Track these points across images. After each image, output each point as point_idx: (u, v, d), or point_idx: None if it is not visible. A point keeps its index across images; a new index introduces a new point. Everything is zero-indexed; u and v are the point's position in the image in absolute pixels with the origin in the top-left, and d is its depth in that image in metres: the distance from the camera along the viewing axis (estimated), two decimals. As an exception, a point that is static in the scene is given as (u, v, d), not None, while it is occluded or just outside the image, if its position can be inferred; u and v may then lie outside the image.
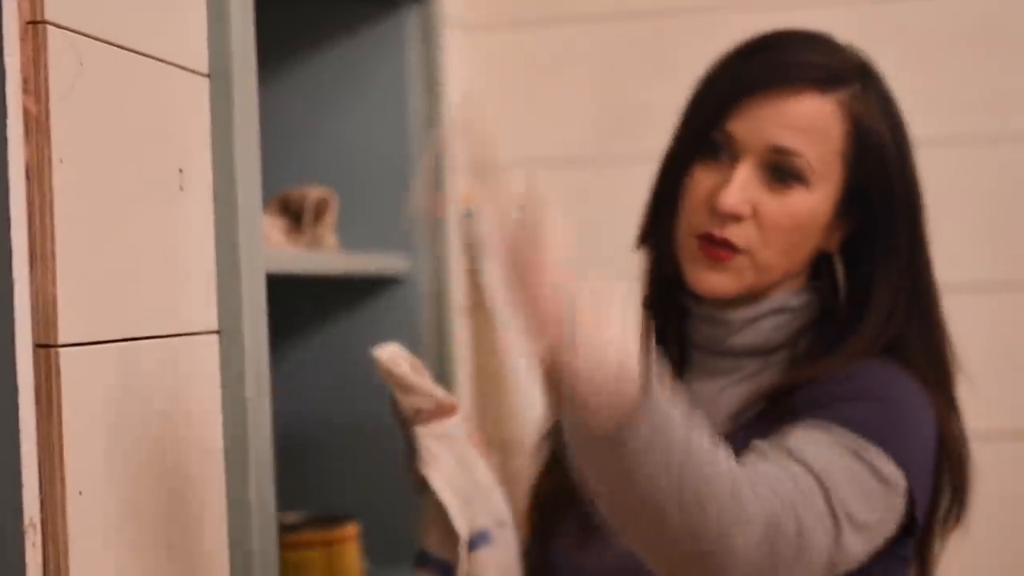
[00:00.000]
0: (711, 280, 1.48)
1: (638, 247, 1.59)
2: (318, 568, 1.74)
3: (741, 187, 1.45)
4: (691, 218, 1.49)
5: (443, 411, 1.50)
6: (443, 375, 2.08)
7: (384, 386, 1.50)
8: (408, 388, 1.49)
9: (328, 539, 1.76)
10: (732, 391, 1.50)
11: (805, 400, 1.41)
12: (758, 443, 1.35)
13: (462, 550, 1.47)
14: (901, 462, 1.37)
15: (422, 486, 1.52)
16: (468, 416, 1.56)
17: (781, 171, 1.46)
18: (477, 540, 1.49)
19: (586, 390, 1.10)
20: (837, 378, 1.44)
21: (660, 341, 1.52)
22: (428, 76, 2.09)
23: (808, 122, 1.46)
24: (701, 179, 1.49)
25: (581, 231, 2.35)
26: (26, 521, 1.05)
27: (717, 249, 1.47)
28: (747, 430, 1.42)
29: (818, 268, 1.53)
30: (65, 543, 1.08)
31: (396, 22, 2.06)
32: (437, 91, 2.10)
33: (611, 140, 2.34)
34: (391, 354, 1.50)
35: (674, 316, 1.56)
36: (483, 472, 1.53)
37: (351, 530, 1.79)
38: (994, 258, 2.22)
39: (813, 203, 1.47)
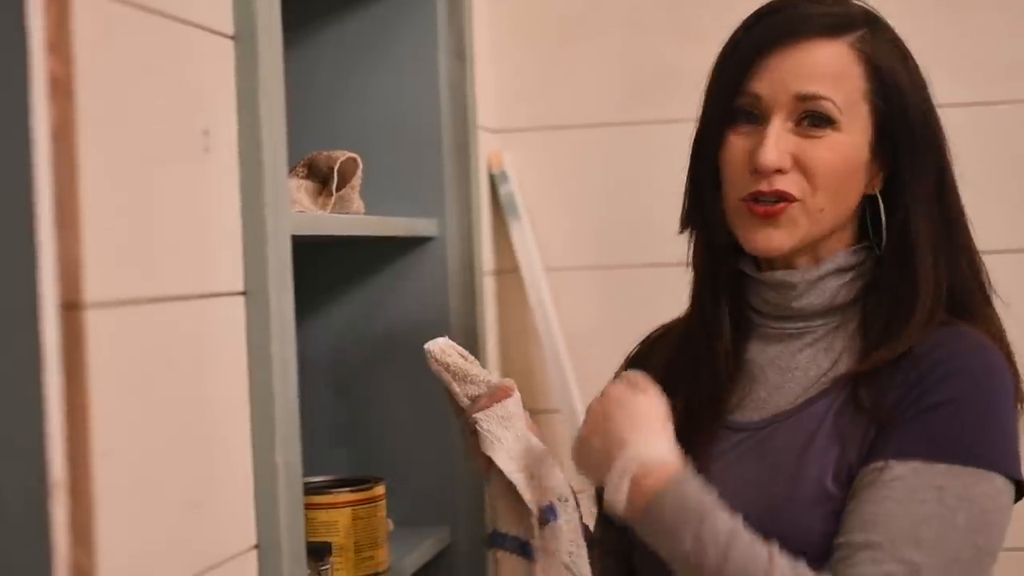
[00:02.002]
0: (767, 237, 1.51)
1: (683, 229, 1.62)
2: (345, 528, 1.75)
3: (775, 142, 1.49)
4: (735, 184, 1.53)
5: (500, 394, 1.56)
6: (471, 339, 2.08)
7: (430, 370, 1.57)
8: (464, 377, 1.55)
9: (355, 499, 1.76)
10: (807, 353, 1.54)
11: (894, 398, 1.45)
12: (856, 537, 1.39)
13: (535, 522, 1.52)
14: (1005, 465, 1.42)
15: (488, 469, 1.57)
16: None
17: (811, 118, 1.49)
18: (547, 514, 1.54)
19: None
20: (921, 366, 1.46)
21: (717, 313, 1.60)
22: (455, 39, 2.08)
23: (826, 66, 1.50)
24: (736, 145, 1.52)
25: (609, 194, 2.36)
26: (52, 481, 1.05)
27: (769, 205, 1.50)
28: (836, 422, 1.47)
29: (864, 226, 1.57)
30: (91, 504, 1.09)
31: (423, -16, 2.06)
32: (464, 54, 2.09)
33: (639, 103, 2.33)
34: (442, 346, 1.56)
35: (729, 287, 1.60)
36: (542, 450, 1.57)
37: (379, 490, 1.80)
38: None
39: (847, 144, 1.50)
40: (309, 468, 1.58)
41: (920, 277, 1.51)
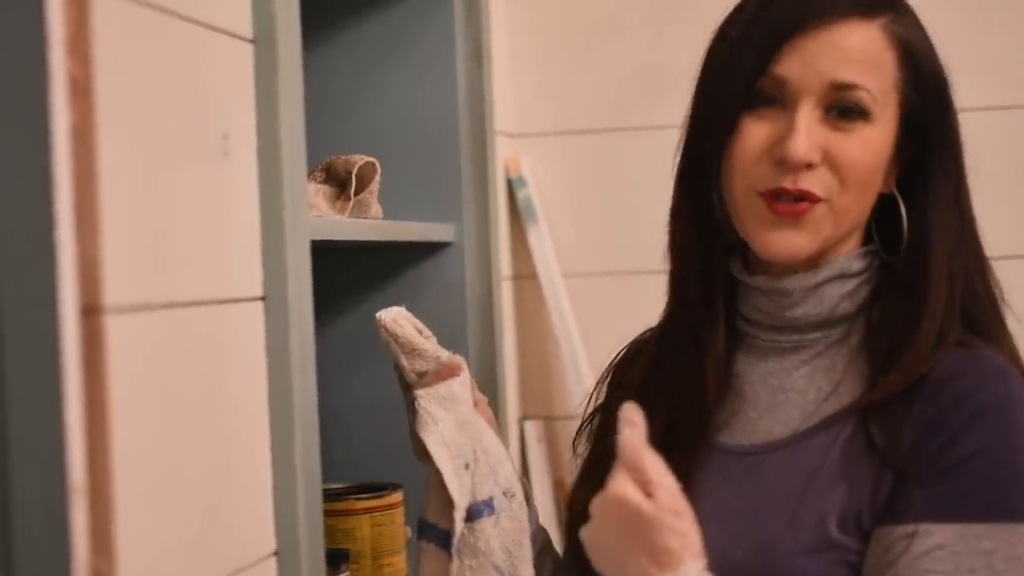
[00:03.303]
0: (786, 240, 1.35)
1: (673, 225, 1.46)
2: (363, 535, 1.74)
3: (808, 132, 1.33)
4: (750, 175, 1.35)
5: (446, 373, 1.43)
6: (489, 344, 2.08)
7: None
8: (412, 351, 1.43)
9: (374, 506, 1.75)
10: (804, 372, 1.39)
11: (912, 438, 1.30)
12: None
13: (457, 516, 1.39)
14: None
15: (424, 452, 1.44)
16: (473, 379, 1.48)
17: (845, 108, 1.34)
18: (481, 508, 1.42)
19: None
20: (941, 401, 1.30)
21: (711, 320, 1.43)
22: (473, 44, 2.08)
23: (862, 52, 1.34)
24: (753, 131, 1.35)
25: (628, 199, 2.35)
26: (72, 484, 1.05)
27: (794, 204, 1.34)
28: (843, 460, 1.32)
29: (869, 230, 1.42)
30: (111, 509, 1.09)
31: (441, -12, 2.05)
32: (482, 58, 2.09)
33: (657, 107, 2.32)
34: (395, 315, 1.43)
35: (719, 291, 1.44)
36: (492, 440, 1.46)
37: (396, 497, 1.79)
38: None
39: (879, 138, 1.36)
40: (326, 474, 1.57)
41: (932, 287, 1.36)
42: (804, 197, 1.34)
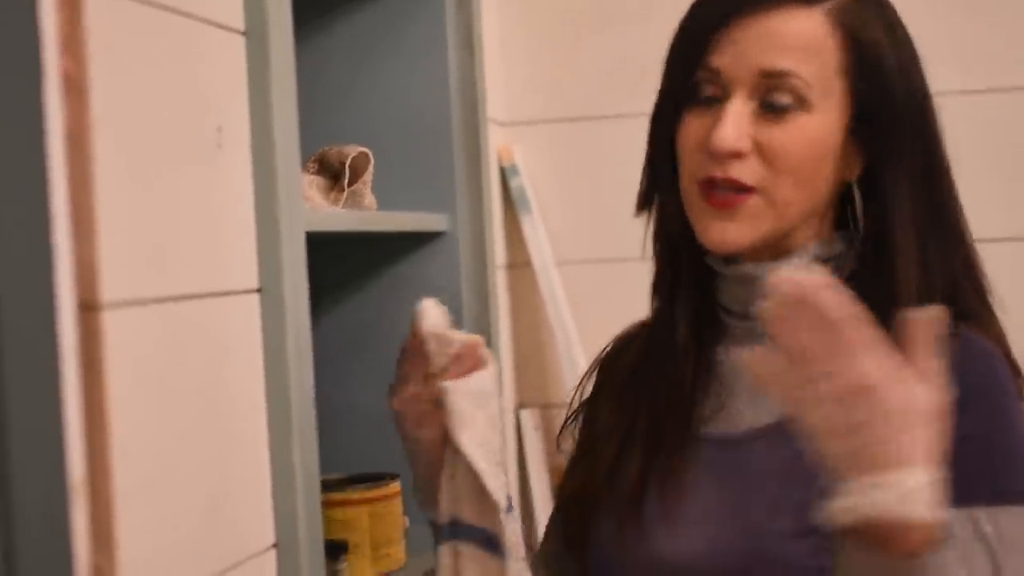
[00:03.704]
0: (722, 231, 1.34)
1: (638, 212, 1.47)
2: (362, 526, 1.74)
3: (734, 121, 1.32)
4: (689, 166, 1.36)
5: (476, 364, 1.39)
6: (483, 333, 2.07)
7: None
8: (446, 343, 1.38)
9: (371, 497, 1.76)
10: None
11: None
12: None
13: (503, 517, 1.37)
14: None
15: (444, 446, 1.40)
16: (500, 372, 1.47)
17: (777, 96, 1.32)
18: (510, 507, 1.40)
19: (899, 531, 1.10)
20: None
21: (673, 309, 1.43)
22: (464, 32, 2.08)
23: (796, 38, 1.33)
24: (693, 125, 1.36)
25: (621, 187, 2.35)
26: (72, 482, 1.05)
27: (725, 194, 1.33)
28: None
29: (844, 215, 1.41)
30: (111, 506, 1.09)
31: (432, -21, 2.05)
32: (474, 47, 2.08)
33: (650, 95, 2.31)
34: (438, 318, 1.39)
35: (695, 281, 1.43)
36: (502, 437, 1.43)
37: (394, 488, 1.79)
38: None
39: (818, 126, 1.34)
40: (324, 465, 1.57)
41: (900, 273, 1.34)
42: (737, 187, 1.33)
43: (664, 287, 1.45)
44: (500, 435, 1.42)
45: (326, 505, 1.65)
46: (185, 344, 1.24)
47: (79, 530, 1.05)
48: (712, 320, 1.43)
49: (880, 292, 1.33)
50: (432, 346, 1.38)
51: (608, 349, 1.55)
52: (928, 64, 1.41)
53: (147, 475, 1.15)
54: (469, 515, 1.39)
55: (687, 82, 1.36)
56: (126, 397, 1.12)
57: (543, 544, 1.53)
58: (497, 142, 2.29)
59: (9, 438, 0.99)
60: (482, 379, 1.39)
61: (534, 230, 2.33)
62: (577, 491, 1.46)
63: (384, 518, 1.77)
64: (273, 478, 1.39)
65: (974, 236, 1.42)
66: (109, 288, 1.10)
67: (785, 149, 1.32)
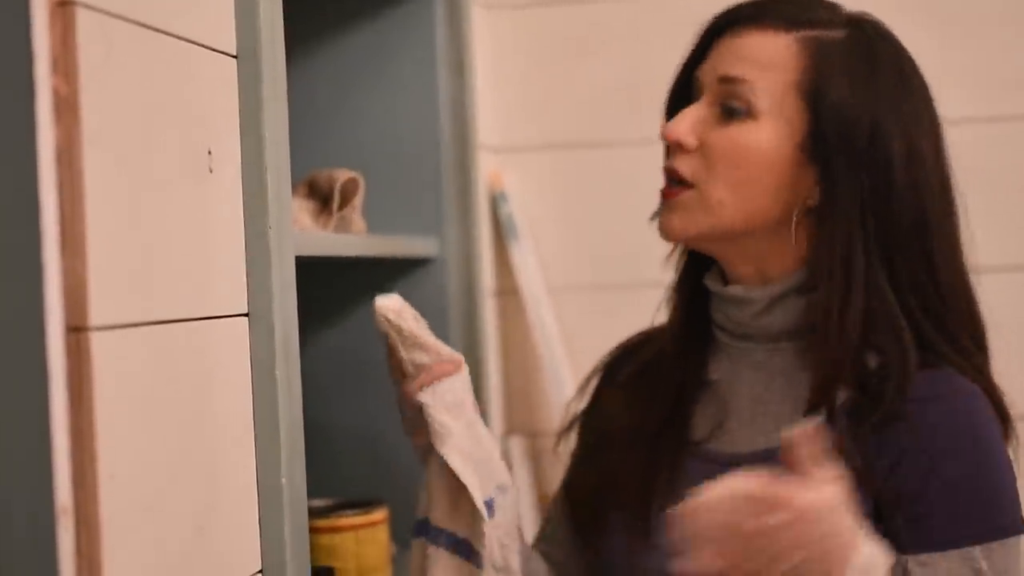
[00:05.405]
0: (666, 221, 1.45)
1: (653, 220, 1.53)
2: (348, 552, 1.73)
3: (688, 117, 1.44)
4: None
5: (448, 368, 1.44)
6: (472, 360, 2.07)
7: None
8: (414, 343, 1.43)
9: (358, 523, 1.75)
10: (779, 383, 1.44)
11: (888, 463, 1.35)
12: None
13: (487, 529, 1.41)
14: (1020, 521, 1.35)
15: (426, 454, 1.45)
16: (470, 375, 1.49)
17: (731, 101, 1.42)
18: (487, 510, 1.44)
19: None
20: (915, 430, 1.35)
21: (677, 328, 1.52)
22: (455, 56, 2.08)
23: (759, 52, 1.42)
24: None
25: (610, 213, 2.35)
26: (59, 506, 1.04)
27: (669, 186, 1.45)
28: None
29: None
30: (97, 527, 1.08)
31: (423, 2, 2.04)
32: (464, 72, 2.08)
33: (641, 122, 2.32)
34: (398, 308, 1.43)
35: (699, 301, 1.53)
36: (485, 435, 1.47)
37: (381, 514, 1.78)
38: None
39: (762, 136, 1.41)
40: (311, 491, 1.57)
41: (820, 300, 1.39)
42: (677, 179, 1.44)
43: (672, 306, 1.55)
44: (484, 433, 1.46)
45: (313, 531, 1.64)
46: (173, 368, 1.23)
47: (66, 554, 1.04)
48: (709, 339, 1.50)
49: (827, 326, 1.38)
50: (402, 354, 1.43)
51: (611, 356, 1.63)
52: (937, 92, 1.46)
53: (134, 499, 1.14)
54: (439, 519, 1.44)
55: (681, 91, 1.49)
56: (114, 421, 1.11)
57: (536, 543, 1.61)
58: (487, 168, 2.29)
59: (-5, 461, 0.99)
60: (454, 386, 1.43)
61: (523, 257, 2.32)
62: (584, 495, 1.55)
63: (370, 544, 1.76)
64: (260, 503, 1.38)
65: (985, 265, 1.48)
66: (98, 311, 1.09)
67: (723, 148, 1.41)
